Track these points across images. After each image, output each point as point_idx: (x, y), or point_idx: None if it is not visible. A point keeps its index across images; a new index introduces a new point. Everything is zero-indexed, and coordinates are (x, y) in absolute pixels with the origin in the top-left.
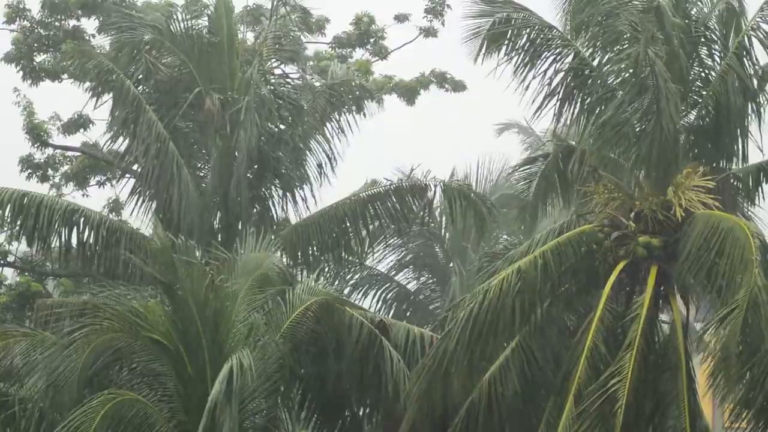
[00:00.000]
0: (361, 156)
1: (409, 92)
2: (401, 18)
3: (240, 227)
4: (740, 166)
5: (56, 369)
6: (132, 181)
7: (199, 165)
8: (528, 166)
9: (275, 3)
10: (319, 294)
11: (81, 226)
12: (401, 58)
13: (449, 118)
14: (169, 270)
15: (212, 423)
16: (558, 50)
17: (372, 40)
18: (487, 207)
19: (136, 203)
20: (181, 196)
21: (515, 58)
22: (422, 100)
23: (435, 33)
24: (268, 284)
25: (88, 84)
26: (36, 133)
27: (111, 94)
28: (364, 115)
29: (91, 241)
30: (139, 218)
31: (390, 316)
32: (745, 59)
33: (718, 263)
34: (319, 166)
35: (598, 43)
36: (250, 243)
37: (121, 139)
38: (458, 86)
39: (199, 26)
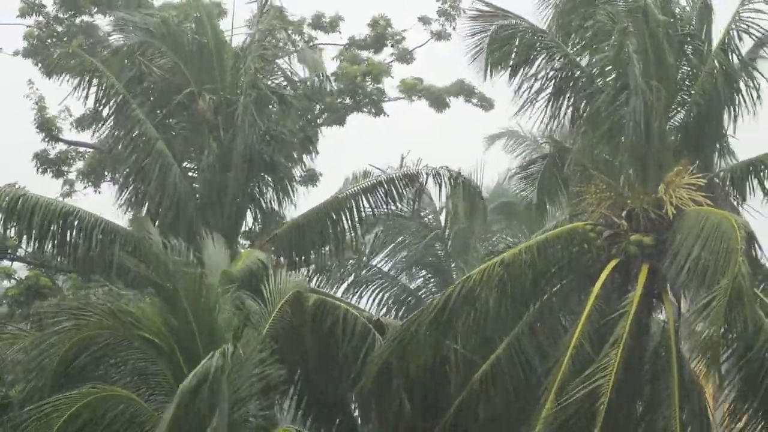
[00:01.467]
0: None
1: (438, 101)
2: (425, 20)
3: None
4: (730, 163)
5: (33, 360)
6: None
7: (193, 166)
8: (530, 167)
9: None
10: (295, 286)
11: (75, 228)
12: (419, 60)
13: (469, 122)
14: (162, 270)
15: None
16: (549, 54)
17: (388, 43)
18: (475, 188)
19: (130, 201)
20: (167, 196)
21: (510, 65)
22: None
23: (447, 36)
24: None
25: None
26: (47, 128)
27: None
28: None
29: (85, 242)
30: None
31: (389, 315)
32: (730, 53)
33: (706, 258)
34: (300, 159)
35: (584, 43)
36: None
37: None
38: (486, 104)
39: (190, 28)
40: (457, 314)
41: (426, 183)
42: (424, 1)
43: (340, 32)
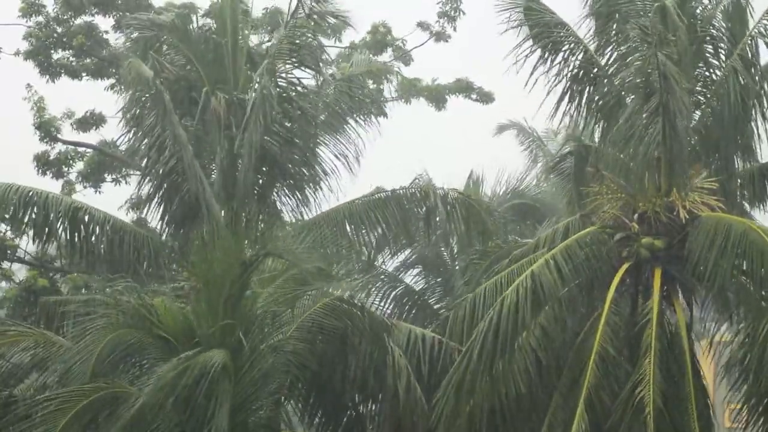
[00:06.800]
0: (384, 160)
1: (437, 98)
2: (424, 26)
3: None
4: (745, 167)
5: (70, 368)
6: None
7: (205, 164)
8: (561, 164)
9: (295, 5)
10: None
11: (86, 225)
12: (420, 62)
13: (476, 121)
14: (205, 266)
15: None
16: (570, 48)
17: (389, 49)
18: (487, 212)
19: (152, 202)
20: (202, 200)
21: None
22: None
23: (447, 38)
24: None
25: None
26: (46, 129)
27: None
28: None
29: (95, 239)
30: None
31: (394, 315)
32: (750, 60)
33: (723, 265)
34: (344, 156)
35: (609, 43)
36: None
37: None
38: (486, 98)
39: (206, 26)
40: (510, 337)
41: (436, 205)
42: (423, 2)
43: (341, 40)
